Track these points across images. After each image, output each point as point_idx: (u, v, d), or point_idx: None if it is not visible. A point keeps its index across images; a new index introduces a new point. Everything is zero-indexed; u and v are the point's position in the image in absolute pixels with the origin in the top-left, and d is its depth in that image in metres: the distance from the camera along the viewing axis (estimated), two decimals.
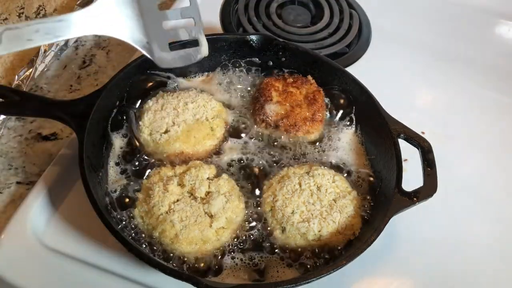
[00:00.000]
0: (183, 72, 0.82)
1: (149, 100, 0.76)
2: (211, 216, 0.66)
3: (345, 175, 0.75)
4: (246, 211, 0.69)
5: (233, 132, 0.77)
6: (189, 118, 0.74)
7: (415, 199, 0.67)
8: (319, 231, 0.66)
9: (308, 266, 0.66)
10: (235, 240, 0.67)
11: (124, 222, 0.66)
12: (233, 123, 0.78)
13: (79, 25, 0.55)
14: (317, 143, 0.78)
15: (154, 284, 0.66)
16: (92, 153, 0.67)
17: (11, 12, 0.84)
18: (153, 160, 0.73)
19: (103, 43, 0.93)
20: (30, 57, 0.81)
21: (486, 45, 1.04)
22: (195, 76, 0.83)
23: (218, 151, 0.75)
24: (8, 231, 0.67)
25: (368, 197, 0.72)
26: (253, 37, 0.81)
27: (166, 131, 0.72)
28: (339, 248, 0.67)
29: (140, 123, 0.73)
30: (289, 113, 0.77)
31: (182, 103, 0.75)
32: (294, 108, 0.77)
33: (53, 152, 0.78)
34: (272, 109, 0.77)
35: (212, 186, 0.68)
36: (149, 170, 0.72)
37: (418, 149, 0.72)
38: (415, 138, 0.73)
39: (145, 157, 0.73)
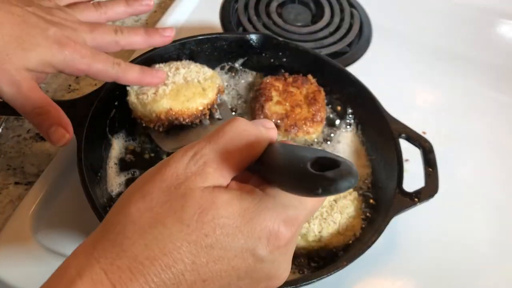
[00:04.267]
0: None
1: None
2: None
3: None
4: None
5: None
6: (180, 80, 0.71)
7: (416, 199, 0.66)
8: (320, 232, 0.66)
9: (308, 267, 0.65)
10: None
11: None
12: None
13: None
14: (318, 143, 0.78)
15: None
16: (91, 153, 0.66)
17: None
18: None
19: None
20: None
21: (487, 45, 1.03)
22: None
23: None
24: (7, 231, 0.66)
25: (369, 198, 0.72)
26: (253, 36, 0.81)
27: (155, 92, 0.70)
28: (339, 249, 0.67)
29: (128, 87, 0.70)
30: (289, 113, 0.76)
31: (173, 69, 0.72)
32: (294, 108, 0.77)
33: (52, 152, 0.77)
34: (272, 109, 0.77)
35: None
36: None
37: (419, 149, 0.72)
38: (416, 138, 0.72)
39: (145, 157, 0.73)
